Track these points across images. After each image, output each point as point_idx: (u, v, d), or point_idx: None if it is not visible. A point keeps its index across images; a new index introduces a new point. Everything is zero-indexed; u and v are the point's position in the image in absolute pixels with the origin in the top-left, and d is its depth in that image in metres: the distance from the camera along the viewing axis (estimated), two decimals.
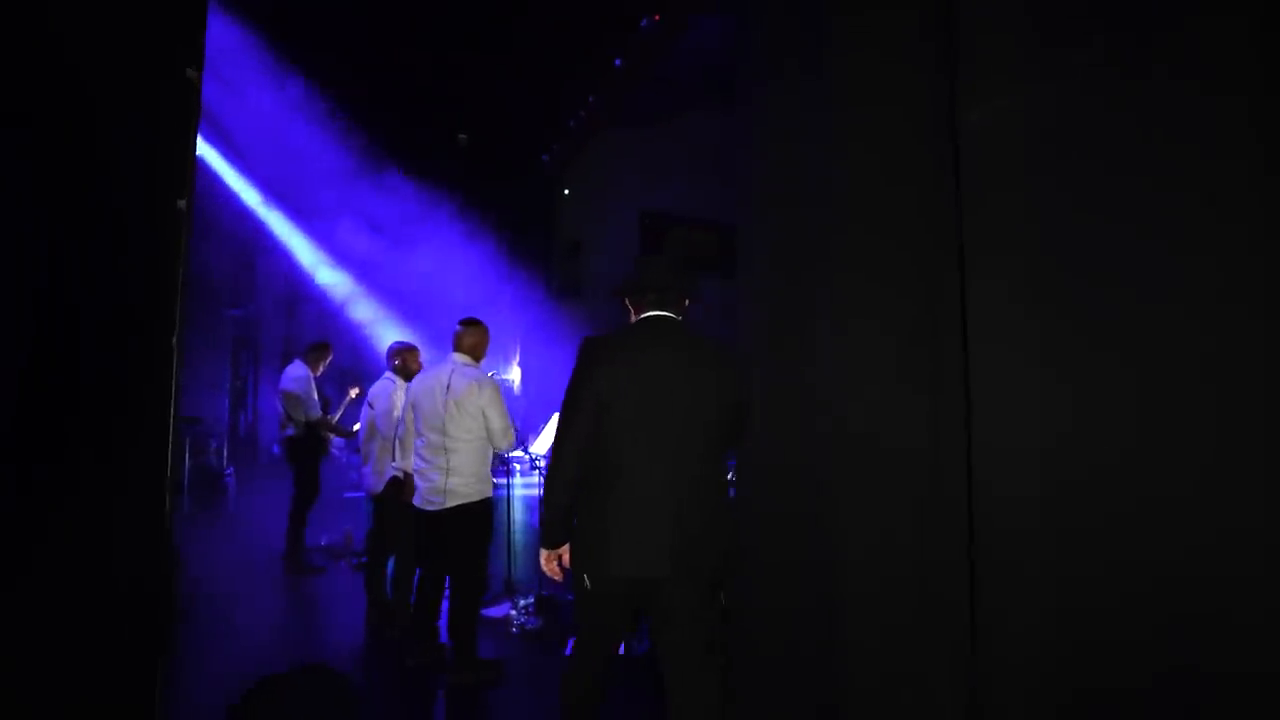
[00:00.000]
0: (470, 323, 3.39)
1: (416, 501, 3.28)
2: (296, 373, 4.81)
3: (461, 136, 9.49)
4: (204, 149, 8.39)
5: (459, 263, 9.13)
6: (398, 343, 4.17)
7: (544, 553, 1.98)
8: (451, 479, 3.17)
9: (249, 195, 8.86)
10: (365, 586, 4.03)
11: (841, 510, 2.14)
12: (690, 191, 10.83)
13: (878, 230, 2.13)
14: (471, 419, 3.17)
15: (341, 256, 9.38)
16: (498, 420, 3.17)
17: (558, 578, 2.05)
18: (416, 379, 3.41)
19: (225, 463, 7.29)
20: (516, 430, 3.36)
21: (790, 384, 2.41)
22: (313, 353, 4.92)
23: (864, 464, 2.11)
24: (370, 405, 3.92)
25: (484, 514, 3.24)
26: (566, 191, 10.98)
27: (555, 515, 1.94)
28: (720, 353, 2.03)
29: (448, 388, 3.24)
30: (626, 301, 2.14)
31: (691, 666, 1.86)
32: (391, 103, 8.20)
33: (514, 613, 3.71)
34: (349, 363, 8.51)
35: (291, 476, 4.83)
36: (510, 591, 4.30)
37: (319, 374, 4.93)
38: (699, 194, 10.96)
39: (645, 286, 2.05)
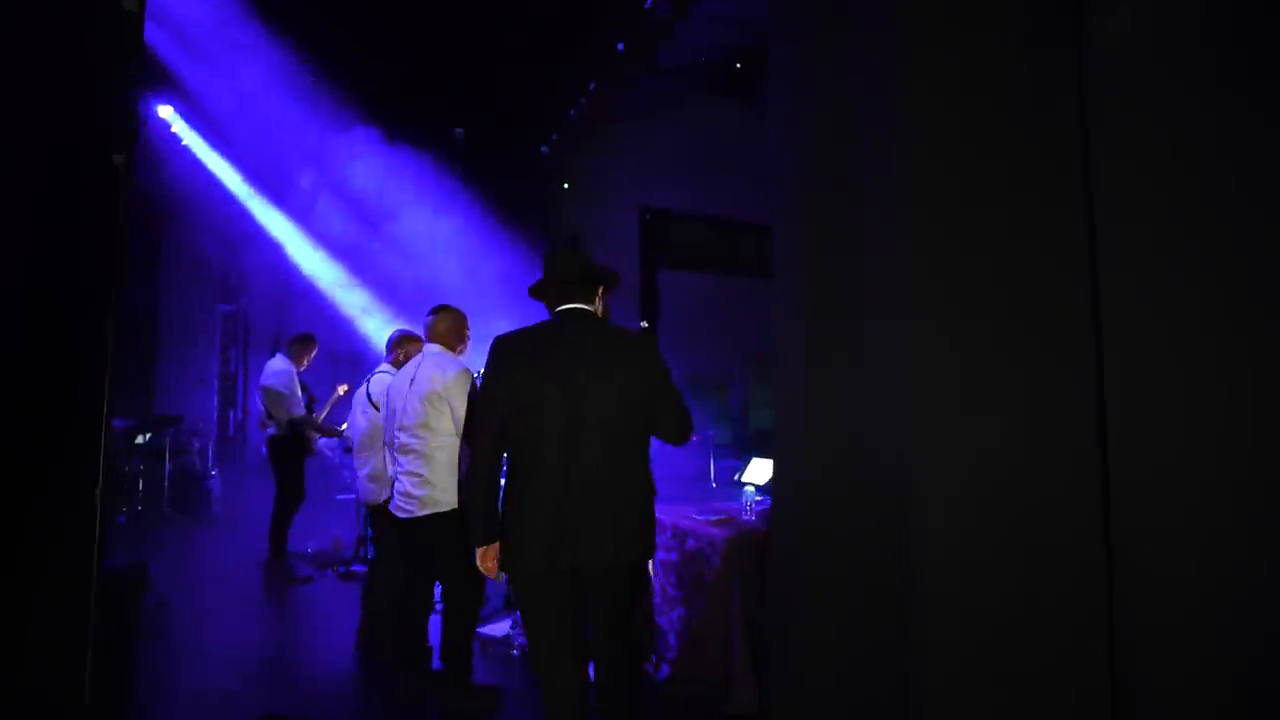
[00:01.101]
0: (440, 309, 3.00)
1: (391, 507, 2.92)
2: (277, 367, 4.42)
3: (457, 130, 9.15)
4: (191, 137, 8.00)
5: (454, 255, 8.75)
6: (400, 331, 3.73)
7: (477, 550, 2.04)
8: (423, 484, 2.78)
9: (238, 185, 8.45)
10: (362, 597, 3.64)
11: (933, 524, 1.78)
12: (693, 187, 10.55)
13: (976, 200, 1.75)
14: (441, 414, 2.77)
15: (333, 248, 8.99)
16: (464, 411, 2.75)
17: (494, 576, 2.07)
18: (396, 376, 3.06)
19: (210, 464, 6.88)
20: None
21: (860, 386, 2.02)
22: (295, 345, 4.52)
23: (965, 474, 1.74)
24: (373, 403, 3.51)
25: (463, 524, 2.83)
26: (566, 185, 10.63)
27: (475, 511, 2.00)
28: (633, 342, 2.04)
29: (412, 380, 2.86)
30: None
31: (603, 651, 2.01)
32: (385, 87, 7.83)
33: (514, 631, 3.33)
34: (344, 355, 8.13)
35: (274, 479, 4.44)
36: (511, 607, 3.92)
37: (303, 368, 4.54)
38: (702, 190, 10.68)
39: (552, 282, 2.07)
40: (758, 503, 3.13)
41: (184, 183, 8.05)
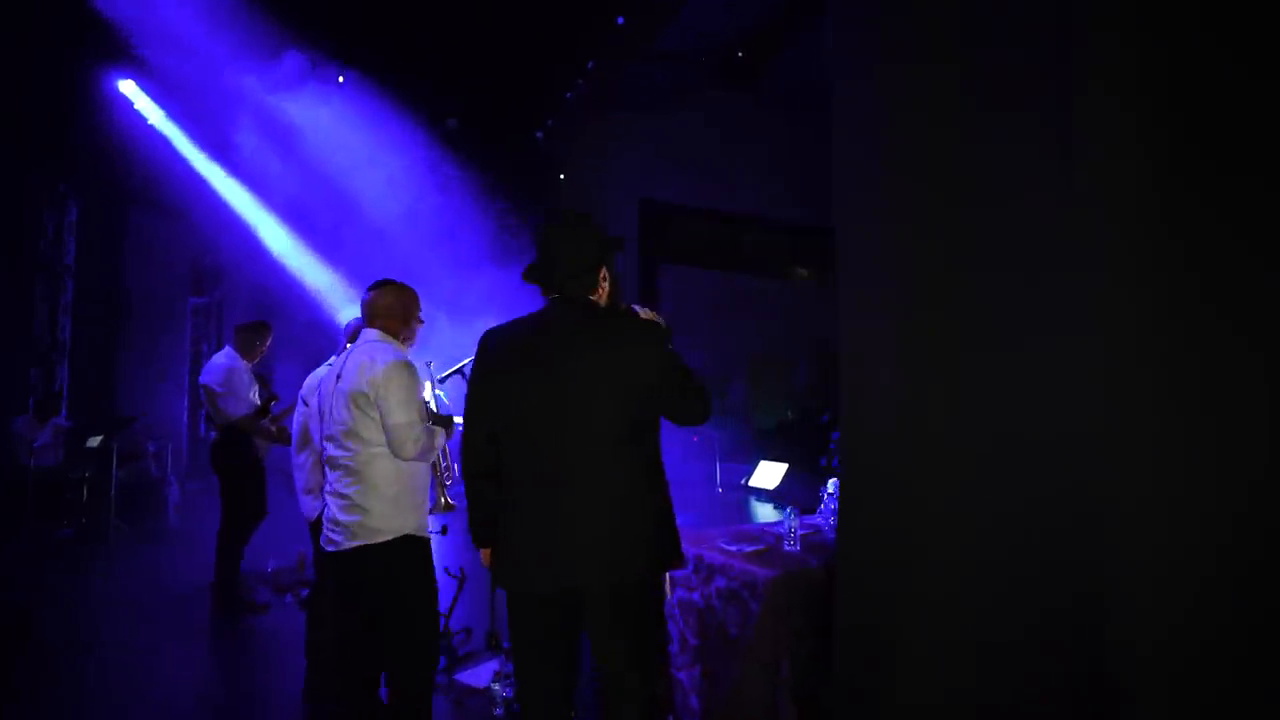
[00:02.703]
0: (382, 283, 2.31)
1: (322, 539, 2.25)
2: (217, 361, 3.71)
3: (450, 121, 8.53)
4: (157, 115, 7.28)
5: (445, 246, 8.10)
6: (359, 320, 3.04)
7: (482, 552, 1.86)
8: (351, 508, 2.11)
9: (211, 169, 7.72)
10: (306, 635, 2.95)
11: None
12: (695, 179, 10.03)
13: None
14: (370, 420, 2.09)
15: (318, 241, 8.30)
16: (397, 414, 2.05)
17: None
18: (330, 370, 2.39)
19: (168, 470, 6.11)
20: (447, 430, 2.29)
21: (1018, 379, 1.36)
22: (244, 335, 3.81)
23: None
24: (304, 403, 2.81)
25: (407, 558, 2.14)
26: (563, 176, 10.04)
27: (476, 511, 1.81)
28: (635, 331, 1.77)
29: (339, 377, 2.20)
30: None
31: (611, 687, 1.73)
32: (374, 69, 7.17)
33: (496, 686, 2.64)
34: (331, 353, 7.43)
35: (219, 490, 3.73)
36: (495, 646, 3.24)
37: (255, 360, 3.84)
38: (704, 182, 10.13)
39: (545, 267, 1.80)
40: (802, 527, 2.45)
41: (150, 164, 7.33)
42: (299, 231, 8.14)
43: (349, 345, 2.93)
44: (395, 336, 2.27)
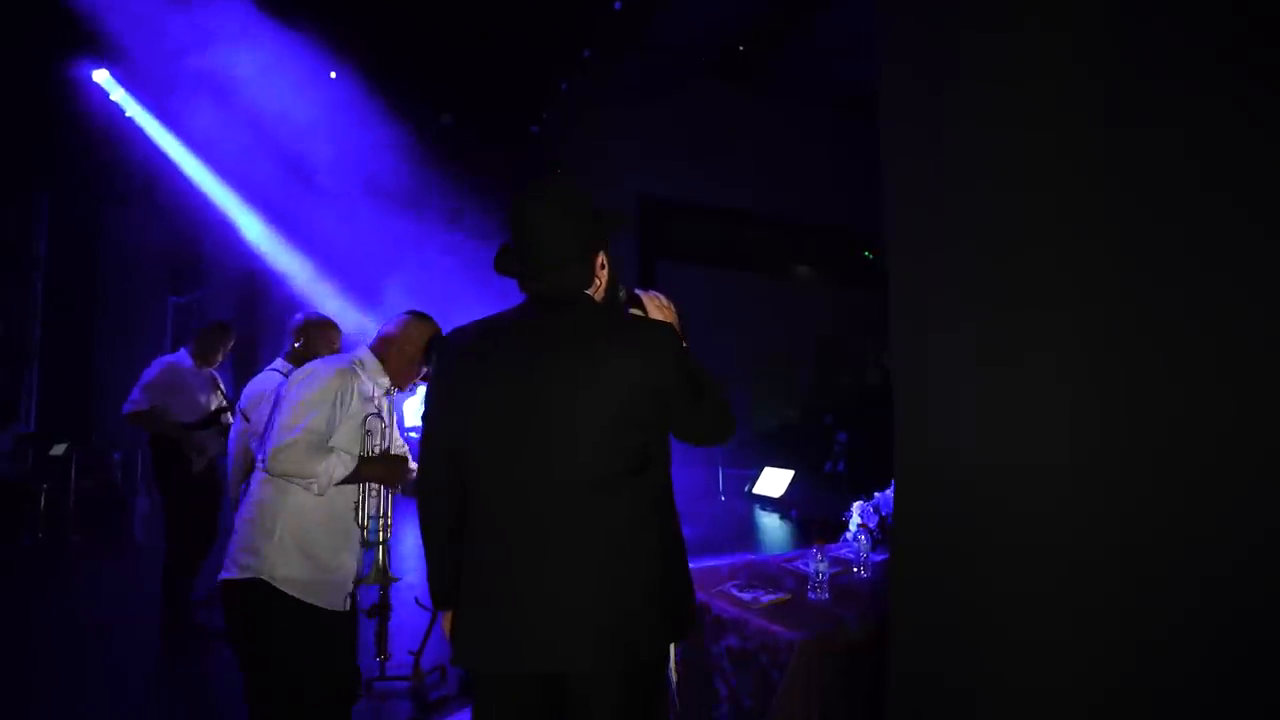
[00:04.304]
0: (407, 314, 1.96)
1: None
2: (156, 365, 3.27)
3: (444, 117, 8.12)
4: (135, 108, 6.84)
5: (437, 245, 7.69)
6: (307, 314, 2.56)
7: (443, 618, 1.42)
8: (244, 528, 1.72)
9: (193, 164, 7.28)
10: None
11: None
12: (694, 176, 9.71)
13: None
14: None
15: (304, 241, 7.87)
16: (283, 411, 1.67)
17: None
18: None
19: (137, 481, 5.64)
20: (387, 473, 1.81)
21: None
22: (202, 338, 3.36)
23: None
24: (244, 417, 2.36)
25: (258, 612, 1.68)
26: (559, 171, 9.65)
27: (433, 563, 1.38)
28: (638, 335, 1.31)
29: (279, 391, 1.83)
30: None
31: None
32: (362, 57, 6.74)
33: None
34: None
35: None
36: (472, 690, 2.80)
37: (213, 365, 3.39)
38: (703, 179, 9.79)
39: (522, 252, 1.33)
40: (830, 567, 2.00)
41: (127, 159, 6.90)
42: (282, 231, 7.71)
43: (295, 345, 2.51)
44: (386, 366, 1.86)
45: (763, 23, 8.74)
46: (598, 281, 1.38)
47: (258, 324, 8.04)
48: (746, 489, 7.14)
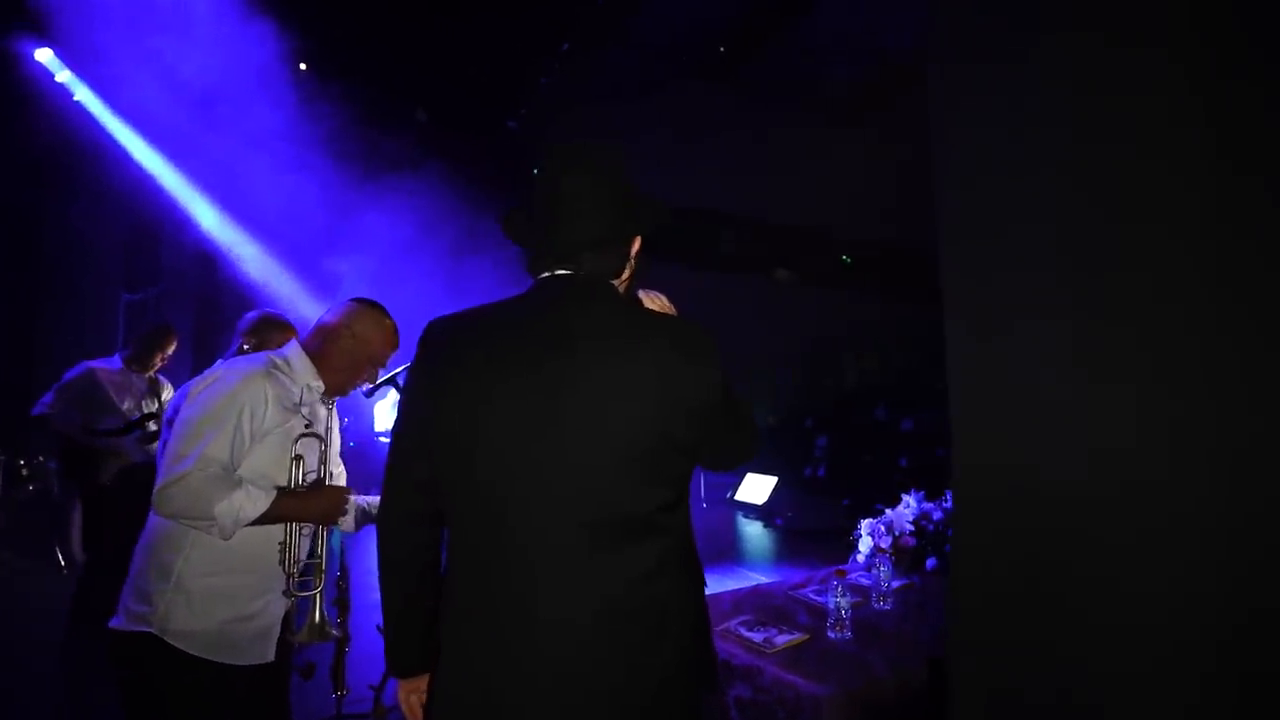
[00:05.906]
0: (350, 301, 1.60)
1: None
2: (76, 369, 2.91)
3: (419, 112, 7.78)
4: (83, 90, 6.36)
5: (412, 244, 7.35)
6: (260, 312, 2.20)
7: (399, 685, 1.13)
8: (131, 572, 1.39)
9: (147, 153, 6.81)
10: None
11: None
12: (672, 176, 9.51)
13: None
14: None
15: (273, 238, 7.44)
16: (173, 439, 1.34)
17: None
18: None
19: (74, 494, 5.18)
20: (320, 507, 1.43)
21: None
22: (143, 341, 3.01)
23: None
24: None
25: (153, 672, 1.34)
26: (537, 171, 9.35)
27: (393, 623, 1.09)
28: (683, 339, 1.02)
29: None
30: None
31: None
32: (337, 51, 6.38)
33: None
34: None
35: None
36: None
37: (151, 370, 3.03)
38: (682, 179, 9.61)
39: (547, 222, 1.04)
40: (850, 601, 1.73)
41: (75, 145, 6.40)
42: (245, 226, 7.28)
43: (245, 346, 2.17)
44: (320, 365, 1.49)
45: (744, 23, 8.62)
46: (628, 274, 1.13)
47: (220, 324, 7.58)
48: (728, 495, 6.89)
